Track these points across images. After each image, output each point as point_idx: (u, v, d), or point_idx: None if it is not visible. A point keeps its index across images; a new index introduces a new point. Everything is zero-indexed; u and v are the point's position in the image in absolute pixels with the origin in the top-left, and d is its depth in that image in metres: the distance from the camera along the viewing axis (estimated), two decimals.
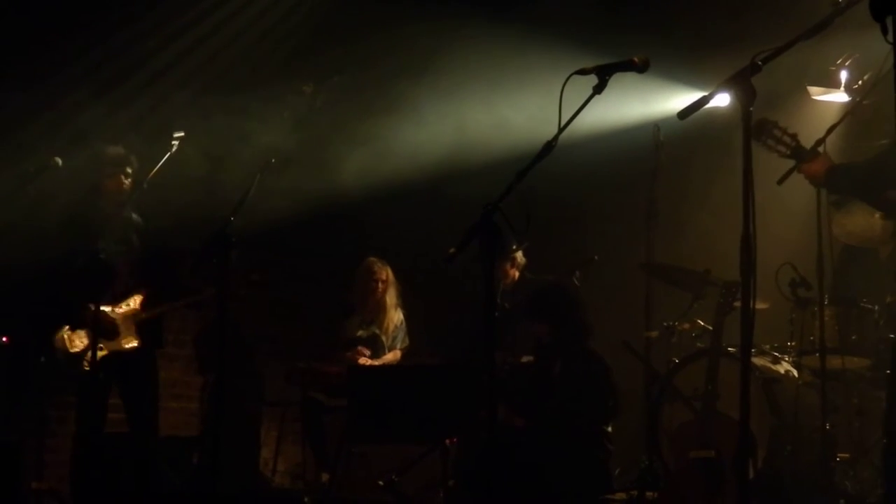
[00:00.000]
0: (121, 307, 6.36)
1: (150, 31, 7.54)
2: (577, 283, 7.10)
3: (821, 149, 4.69)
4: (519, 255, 7.52)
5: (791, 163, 4.64)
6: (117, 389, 6.47)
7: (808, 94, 7.34)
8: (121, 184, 6.39)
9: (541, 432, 5.76)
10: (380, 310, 7.55)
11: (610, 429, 5.97)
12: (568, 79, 3.67)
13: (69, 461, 6.56)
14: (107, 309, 6.27)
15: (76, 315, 6.21)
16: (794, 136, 4.61)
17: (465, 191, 5.65)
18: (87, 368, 6.14)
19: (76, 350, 6.24)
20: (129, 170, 6.38)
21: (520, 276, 7.55)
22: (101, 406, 6.35)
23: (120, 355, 6.32)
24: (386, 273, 7.58)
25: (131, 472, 6.14)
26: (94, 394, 6.25)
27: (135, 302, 6.40)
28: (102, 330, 6.13)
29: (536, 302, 6.19)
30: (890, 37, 2.34)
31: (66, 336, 6.28)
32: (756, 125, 4.14)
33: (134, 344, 6.36)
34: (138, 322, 6.38)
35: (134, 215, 6.51)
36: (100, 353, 6.06)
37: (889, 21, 2.36)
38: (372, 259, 7.61)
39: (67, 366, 6.28)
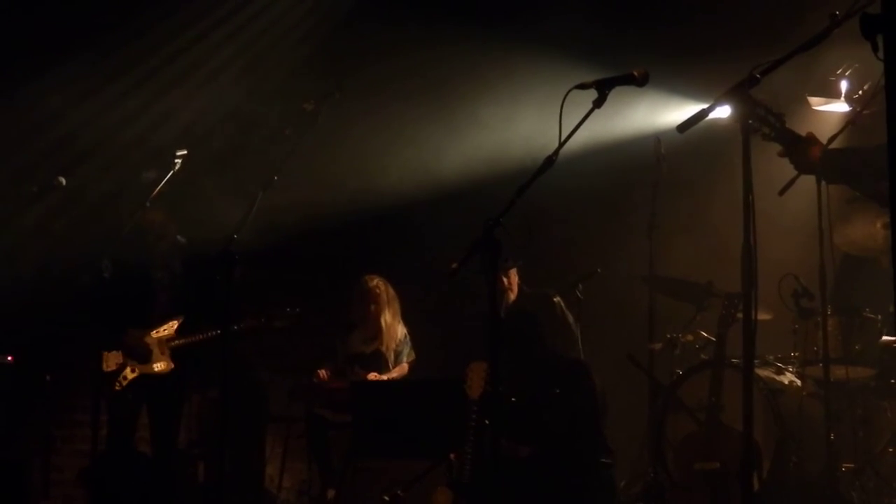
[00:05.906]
0: (157, 332, 6.41)
1: (158, 40, 7.60)
2: (579, 296, 7.09)
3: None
4: (512, 272, 7.39)
5: (791, 174, 4.46)
6: (146, 409, 6.53)
7: (808, 105, 7.35)
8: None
9: (544, 460, 5.64)
10: (380, 326, 7.52)
11: (609, 460, 5.79)
12: (568, 93, 3.68)
13: (81, 478, 6.58)
14: (142, 332, 6.35)
15: (114, 337, 6.28)
16: (779, 116, 4.01)
17: (470, 206, 5.66)
18: (117, 388, 6.25)
19: (110, 370, 6.29)
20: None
21: (518, 292, 7.48)
22: (131, 425, 6.45)
23: (150, 377, 6.37)
24: (383, 289, 7.53)
25: (150, 490, 6.19)
26: (123, 413, 6.35)
27: (170, 327, 6.44)
28: (135, 353, 6.26)
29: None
30: (881, 54, 2.35)
31: (102, 355, 6.33)
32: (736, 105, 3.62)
33: (164, 367, 6.40)
34: (172, 347, 6.43)
35: (179, 237, 6.59)
36: (131, 375, 6.24)
37: (879, 39, 2.37)
38: (368, 276, 7.55)
39: (101, 384, 6.32)
